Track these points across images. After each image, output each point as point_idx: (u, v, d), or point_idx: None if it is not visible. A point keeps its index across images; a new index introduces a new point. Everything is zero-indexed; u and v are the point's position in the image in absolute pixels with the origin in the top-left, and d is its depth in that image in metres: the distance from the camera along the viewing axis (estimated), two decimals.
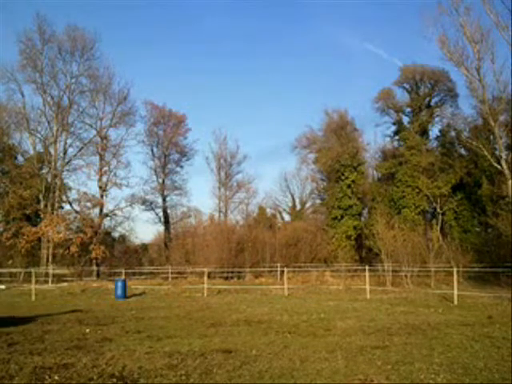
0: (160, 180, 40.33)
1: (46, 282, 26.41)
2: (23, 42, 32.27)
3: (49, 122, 33.09)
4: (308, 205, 45.11)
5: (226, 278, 26.88)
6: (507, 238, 23.46)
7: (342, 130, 36.66)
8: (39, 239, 30.45)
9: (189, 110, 64.70)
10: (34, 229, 29.99)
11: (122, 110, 35.21)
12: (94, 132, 34.50)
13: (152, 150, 40.66)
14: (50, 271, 27.82)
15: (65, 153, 33.57)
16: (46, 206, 31.76)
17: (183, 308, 13.99)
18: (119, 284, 18.48)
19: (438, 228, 31.81)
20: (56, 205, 32.40)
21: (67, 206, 34.43)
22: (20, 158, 35.06)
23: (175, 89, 69.06)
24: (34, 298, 18.26)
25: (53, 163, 32.60)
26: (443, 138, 35.93)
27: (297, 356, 6.72)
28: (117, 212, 34.88)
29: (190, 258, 31.40)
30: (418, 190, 32.68)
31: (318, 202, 42.73)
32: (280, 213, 45.37)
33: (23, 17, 56.43)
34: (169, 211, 41.07)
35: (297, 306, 14.55)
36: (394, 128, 37.94)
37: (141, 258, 37.78)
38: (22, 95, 32.82)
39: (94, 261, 31.74)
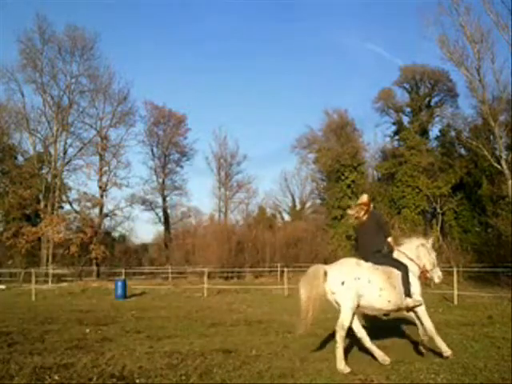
0: (160, 180, 40.39)
1: (46, 282, 26.39)
2: (23, 42, 32.37)
3: (49, 122, 33.12)
4: (308, 205, 45.14)
5: (226, 278, 26.87)
6: (507, 238, 23.44)
7: (341, 129, 36.66)
8: (39, 239, 30.45)
9: (189, 110, 64.55)
10: (33, 229, 29.99)
11: (122, 109, 35.32)
12: (94, 132, 34.59)
13: (152, 150, 40.74)
14: (50, 271, 27.81)
15: (65, 153, 33.64)
16: (46, 206, 31.76)
17: (183, 308, 13.98)
18: (119, 284, 18.46)
19: (438, 228, 31.81)
20: (56, 205, 32.41)
21: (67, 206, 34.52)
22: (20, 158, 35.14)
23: (175, 89, 68.99)
24: (34, 298, 18.25)
25: (53, 163, 32.61)
26: (443, 137, 35.94)
27: (297, 356, 6.72)
28: (117, 212, 34.96)
29: (190, 257, 31.43)
30: (418, 190, 32.67)
31: (318, 202, 42.77)
32: (280, 213, 45.40)
33: (23, 17, 56.41)
34: (169, 211, 41.14)
35: (297, 305, 14.53)
36: (394, 128, 38.00)
37: (141, 257, 37.80)
38: (22, 95, 32.92)
39: (94, 261, 31.74)
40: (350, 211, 6.91)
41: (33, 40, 32.51)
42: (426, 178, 32.64)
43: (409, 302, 5.98)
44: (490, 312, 12.22)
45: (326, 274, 6.04)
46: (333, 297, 6.05)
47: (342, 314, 5.90)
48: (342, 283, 5.88)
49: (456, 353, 6.54)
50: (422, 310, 6.18)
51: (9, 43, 61.37)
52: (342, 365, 5.71)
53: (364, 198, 6.72)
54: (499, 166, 26.85)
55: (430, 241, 6.74)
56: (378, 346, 7.30)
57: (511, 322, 9.79)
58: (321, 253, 32.03)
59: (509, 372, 5.59)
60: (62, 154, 33.43)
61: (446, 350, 6.12)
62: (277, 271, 26.24)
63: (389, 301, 5.95)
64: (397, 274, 6.03)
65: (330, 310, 12.66)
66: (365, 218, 6.49)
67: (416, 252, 6.48)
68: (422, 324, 6.26)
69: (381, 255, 6.23)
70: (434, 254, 6.66)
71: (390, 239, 6.51)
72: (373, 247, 6.26)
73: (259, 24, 72.03)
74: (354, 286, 5.85)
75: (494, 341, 7.64)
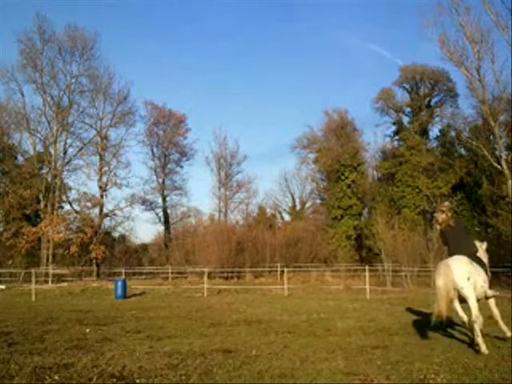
0: (160, 180, 40.40)
1: (46, 282, 26.40)
2: (23, 42, 32.36)
3: (49, 122, 33.11)
4: (308, 205, 45.13)
5: (226, 278, 26.90)
6: (507, 238, 23.45)
7: (341, 129, 36.71)
8: (39, 239, 30.45)
9: (189, 110, 64.55)
10: (34, 229, 29.99)
11: (122, 109, 35.35)
12: (94, 132, 34.61)
13: (152, 150, 40.76)
14: (50, 271, 27.82)
15: (65, 153, 33.63)
16: (45, 206, 31.75)
17: (183, 308, 13.99)
18: (119, 284, 18.47)
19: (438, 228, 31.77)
20: (56, 205, 32.41)
21: (67, 206, 34.51)
22: (20, 158, 35.14)
23: (175, 89, 69.02)
24: (34, 298, 18.26)
25: (53, 163, 32.61)
26: (443, 137, 35.93)
27: (297, 356, 6.71)
28: (117, 212, 34.97)
29: (190, 258, 31.44)
30: (418, 190, 32.67)
31: (318, 201, 42.78)
32: (280, 213, 45.39)
33: (23, 17, 56.39)
34: (169, 211, 41.14)
35: (297, 305, 14.55)
36: (394, 128, 38.00)
37: (141, 257, 37.80)
38: (22, 95, 32.92)
39: (94, 261, 31.75)
40: (440, 217, 7.87)
41: (33, 40, 32.54)
42: (426, 177, 32.63)
43: (489, 292, 7.28)
44: (490, 312, 12.22)
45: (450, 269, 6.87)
46: (453, 291, 6.87)
47: (472, 307, 6.77)
48: (468, 279, 6.72)
49: (456, 353, 6.54)
50: (493, 301, 7.52)
51: (9, 43, 61.47)
52: (483, 347, 6.64)
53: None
54: (499, 166, 26.81)
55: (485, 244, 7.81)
56: (378, 346, 7.32)
57: (511, 321, 9.79)
58: (321, 253, 32.07)
59: (509, 372, 5.59)
60: (62, 154, 33.48)
61: (507, 331, 7.33)
62: (277, 271, 26.26)
63: (484, 291, 7.12)
64: (483, 271, 7.23)
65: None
66: (452, 222, 7.55)
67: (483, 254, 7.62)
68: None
69: (474, 257, 7.24)
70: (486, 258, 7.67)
71: (478, 243, 7.71)
72: (466, 250, 7.24)
73: (259, 24, 72.10)
74: (473, 282, 6.80)
75: (494, 341, 7.63)
